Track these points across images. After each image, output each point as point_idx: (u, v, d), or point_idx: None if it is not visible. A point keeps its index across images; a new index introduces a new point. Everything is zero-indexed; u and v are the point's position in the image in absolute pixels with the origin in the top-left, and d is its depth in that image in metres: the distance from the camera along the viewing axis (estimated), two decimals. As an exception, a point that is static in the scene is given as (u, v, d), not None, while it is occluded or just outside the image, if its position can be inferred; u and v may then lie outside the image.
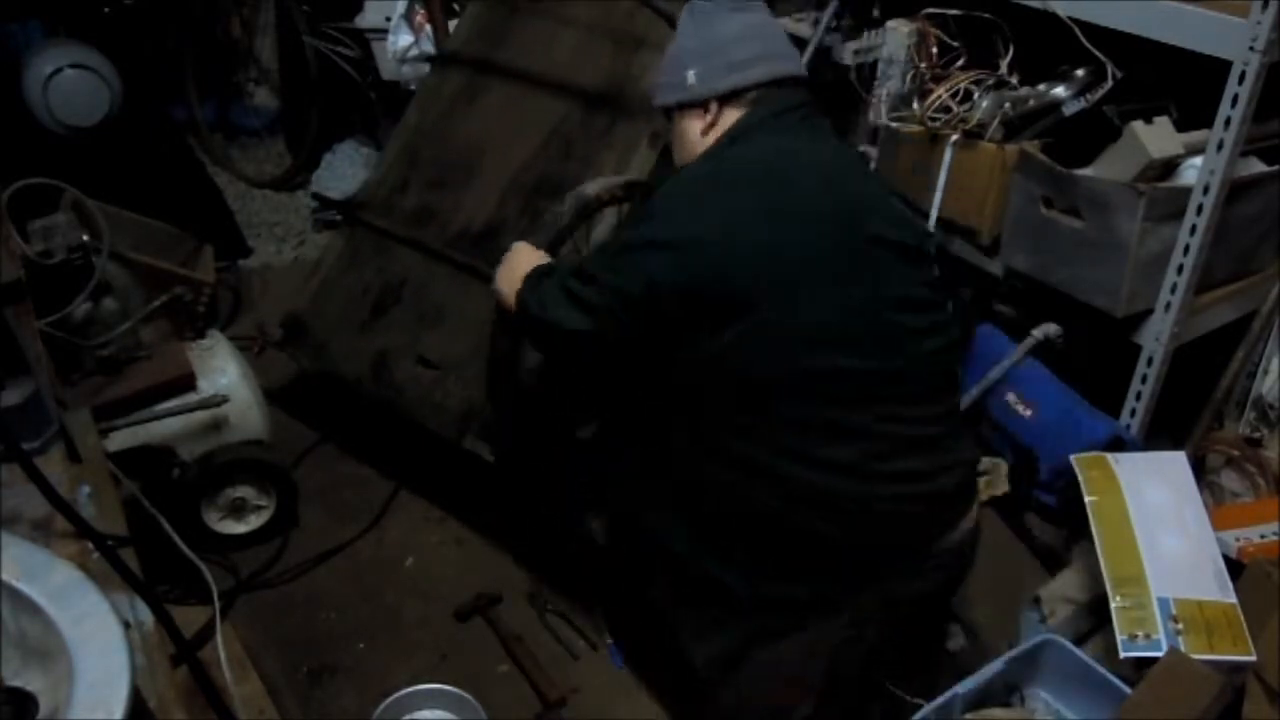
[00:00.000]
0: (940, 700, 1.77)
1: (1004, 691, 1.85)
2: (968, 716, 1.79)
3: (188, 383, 2.16)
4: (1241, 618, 1.74)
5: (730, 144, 1.66)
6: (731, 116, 1.67)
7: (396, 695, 1.86)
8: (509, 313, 1.76)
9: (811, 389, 1.51)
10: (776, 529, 1.56)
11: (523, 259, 1.77)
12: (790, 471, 1.51)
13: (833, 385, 1.51)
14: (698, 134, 1.70)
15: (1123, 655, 1.73)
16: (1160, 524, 1.86)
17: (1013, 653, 1.80)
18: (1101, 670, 1.75)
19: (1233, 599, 1.76)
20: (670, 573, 1.74)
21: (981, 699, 1.80)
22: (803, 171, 1.61)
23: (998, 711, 1.81)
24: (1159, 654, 1.68)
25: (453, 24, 2.87)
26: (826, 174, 1.62)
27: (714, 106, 1.68)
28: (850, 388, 1.51)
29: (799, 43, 2.46)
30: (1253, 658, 1.69)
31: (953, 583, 1.80)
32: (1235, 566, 1.86)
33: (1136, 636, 1.74)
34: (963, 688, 1.77)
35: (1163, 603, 1.76)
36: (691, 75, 1.68)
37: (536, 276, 1.70)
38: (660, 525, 1.69)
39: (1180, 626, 1.73)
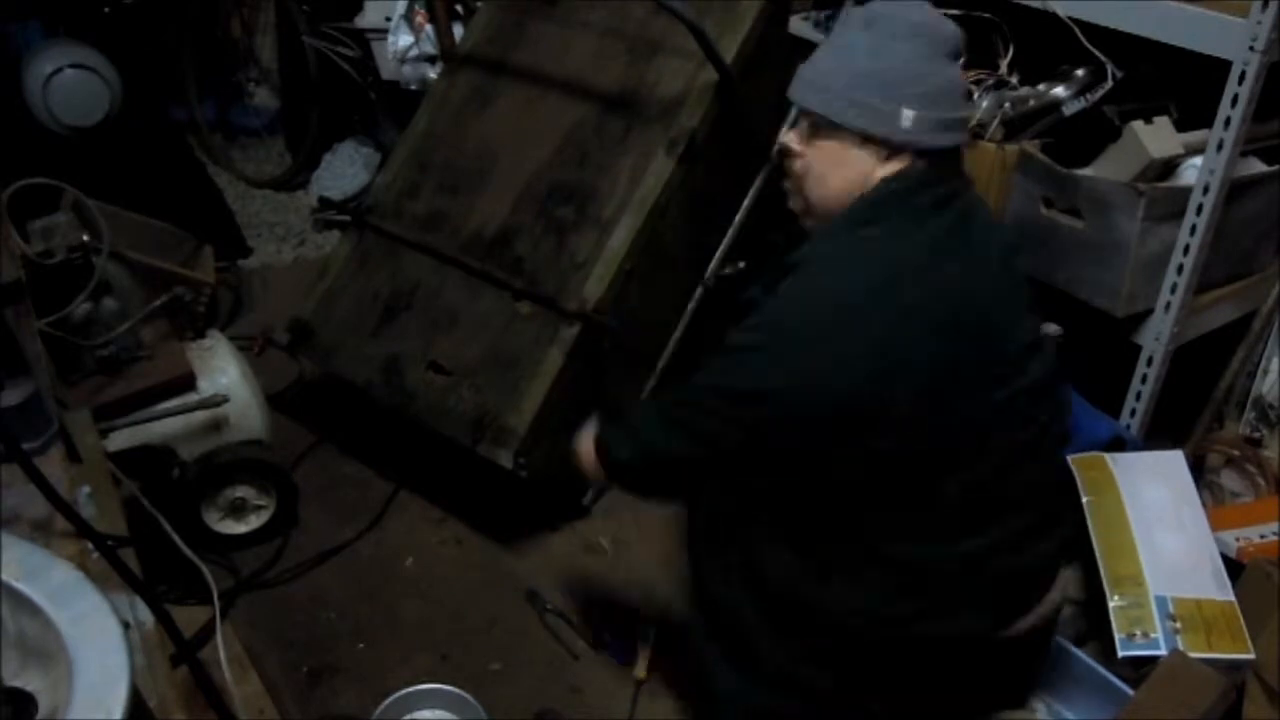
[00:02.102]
0: None
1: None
2: None
3: (188, 383, 2.16)
4: (1240, 616, 1.74)
5: (877, 220, 1.46)
6: (894, 167, 1.48)
7: (396, 695, 1.86)
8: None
9: (920, 503, 1.47)
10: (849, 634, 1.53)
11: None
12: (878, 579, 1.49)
13: (943, 502, 1.47)
14: (864, 177, 1.49)
15: (1121, 654, 1.73)
16: (1158, 523, 1.86)
17: None
18: (1103, 671, 1.75)
19: (1231, 597, 1.76)
20: (716, 622, 1.67)
21: None
22: (961, 279, 1.45)
23: (1008, 714, 1.81)
24: (1157, 653, 1.69)
25: (455, 25, 2.87)
26: (982, 285, 1.49)
27: (907, 158, 1.48)
28: (958, 505, 1.48)
29: (801, 44, 2.46)
30: (1251, 656, 1.69)
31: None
32: (1235, 566, 1.86)
33: (1135, 635, 1.74)
34: None
35: (1161, 601, 1.77)
36: (908, 117, 1.45)
37: (614, 424, 1.65)
38: (728, 597, 1.63)
39: (1179, 625, 1.73)
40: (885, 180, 1.48)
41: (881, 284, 1.41)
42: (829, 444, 1.43)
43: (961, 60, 1.52)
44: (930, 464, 1.45)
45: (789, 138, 1.59)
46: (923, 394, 1.40)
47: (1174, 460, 1.96)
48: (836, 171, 1.52)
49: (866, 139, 1.48)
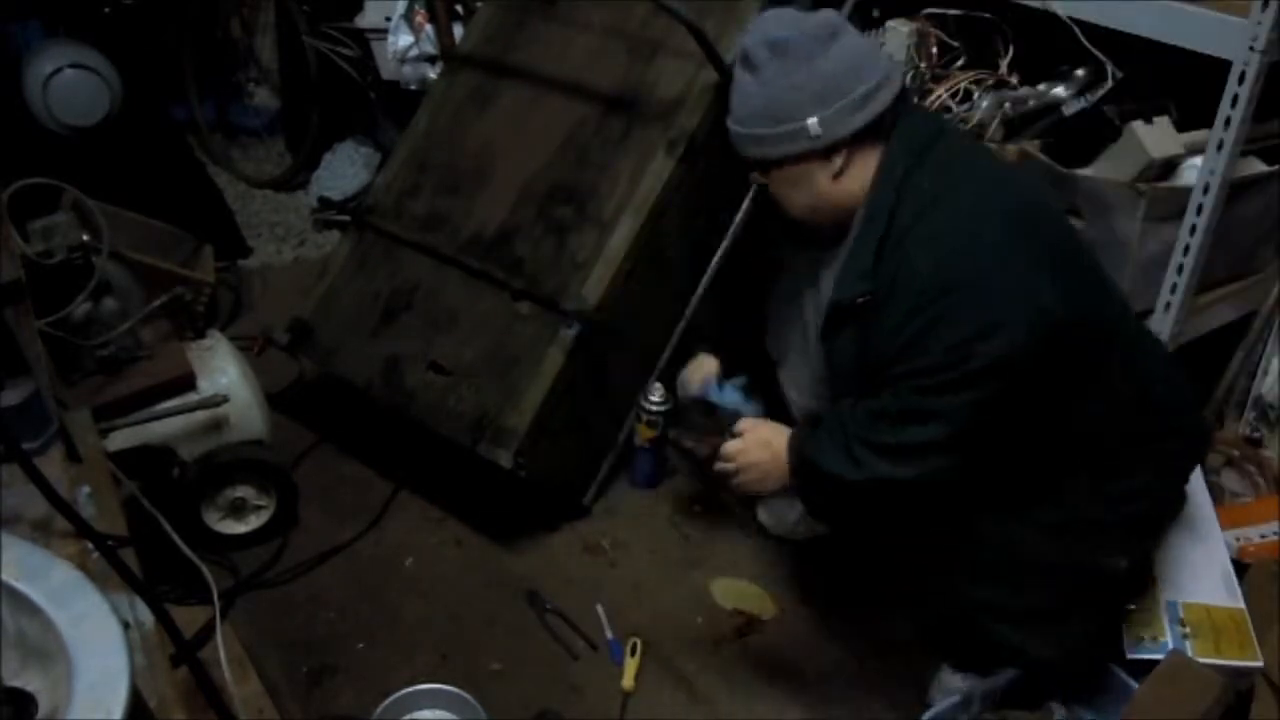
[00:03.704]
0: (955, 700, 1.78)
1: (1034, 693, 1.85)
2: (987, 717, 1.79)
3: (188, 383, 2.16)
4: (1249, 623, 1.74)
5: (914, 176, 1.56)
6: (872, 157, 1.59)
7: (396, 695, 1.86)
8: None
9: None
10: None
11: (766, 437, 1.71)
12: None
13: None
14: (826, 182, 1.61)
15: (1129, 656, 1.74)
16: (1170, 528, 1.86)
17: None
18: (1124, 676, 1.74)
19: (1241, 604, 1.77)
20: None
21: (1002, 701, 1.80)
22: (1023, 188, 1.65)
23: (1018, 714, 1.81)
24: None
25: (455, 25, 2.87)
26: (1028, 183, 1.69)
27: (844, 151, 1.59)
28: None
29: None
30: (1260, 663, 1.69)
31: None
32: (1236, 566, 1.87)
33: (1144, 639, 1.75)
34: (978, 689, 1.77)
35: (1171, 606, 1.77)
36: (814, 124, 1.56)
37: (820, 435, 1.63)
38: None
39: (1188, 630, 1.74)
40: (878, 172, 1.58)
41: (988, 215, 1.52)
42: (1058, 358, 1.51)
43: (839, 36, 1.57)
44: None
45: (754, 175, 1.72)
46: (1076, 288, 1.53)
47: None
48: (797, 191, 1.66)
49: (799, 158, 1.60)
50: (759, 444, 1.73)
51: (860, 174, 1.60)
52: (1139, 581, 1.79)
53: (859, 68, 1.56)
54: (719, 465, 1.78)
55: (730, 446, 1.76)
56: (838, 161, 1.59)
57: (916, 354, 1.51)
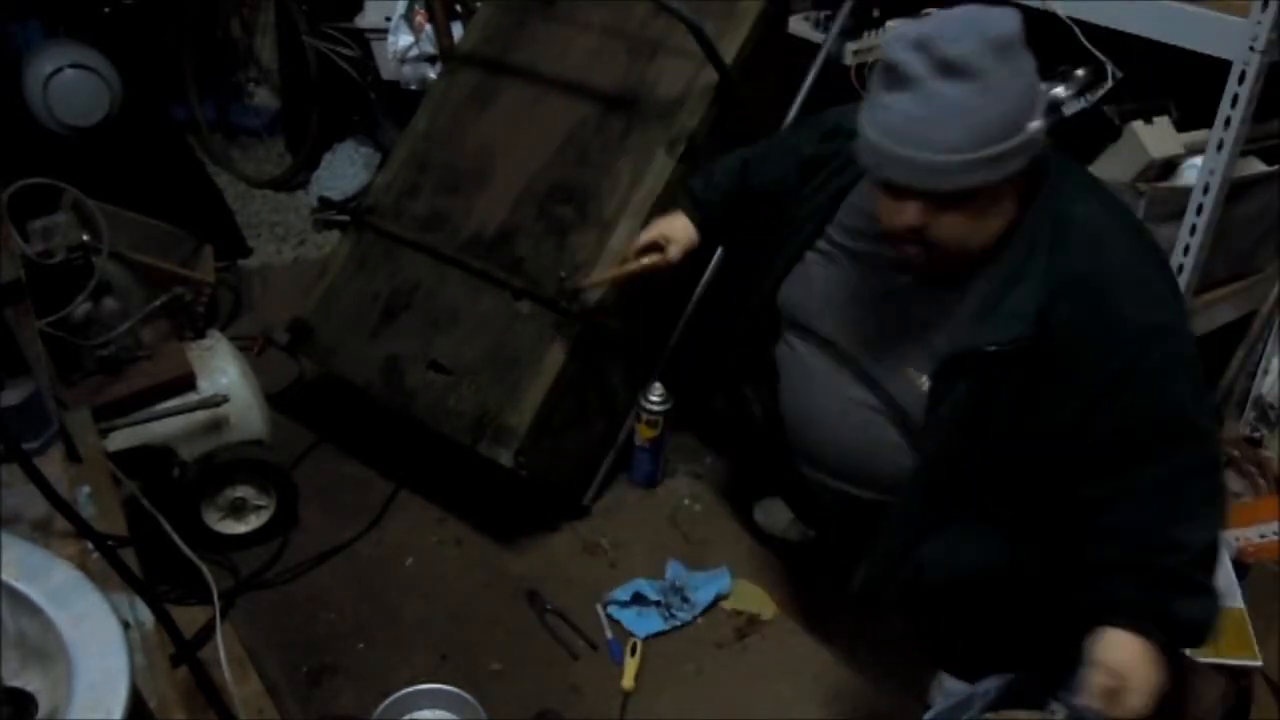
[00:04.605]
0: (958, 699, 1.77)
1: (1036, 693, 1.85)
2: (988, 716, 1.79)
3: (188, 383, 2.16)
4: (1249, 623, 1.74)
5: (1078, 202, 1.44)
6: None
7: (396, 695, 1.86)
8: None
9: None
10: None
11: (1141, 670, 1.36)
12: None
13: None
14: (1012, 207, 1.43)
15: None
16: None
17: None
18: None
19: (1241, 604, 1.77)
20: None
21: (1006, 700, 1.80)
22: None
23: (1019, 713, 1.81)
24: None
25: (455, 24, 2.87)
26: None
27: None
28: None
29: (802, 44, 2.46)
30: (1259, 663, 1.69)
31: None
32: (1235, 566, 1.87)
33: None
34: (982, 687, 1.77)
35: None
36: (1035, 127, 1.36)
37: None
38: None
39: None
40: (1037, 198, 1.43)
41: (1148, 251, 1.47)
42: None
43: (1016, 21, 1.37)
44: None
45: (903, 219, 1.43)
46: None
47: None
48: (985, 221, 1.43)
49: (1016, 175, 1.38)
50: (1127, 673, 1.38)
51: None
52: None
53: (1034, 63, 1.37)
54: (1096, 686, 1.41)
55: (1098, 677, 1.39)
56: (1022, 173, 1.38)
57: (1136, 403, 1.38)
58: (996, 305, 1.43)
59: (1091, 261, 1.40)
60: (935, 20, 1.36)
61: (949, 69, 1.31)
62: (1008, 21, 1.34)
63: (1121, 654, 1.37)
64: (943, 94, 1.32)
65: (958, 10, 1.37)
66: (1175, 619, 1.37)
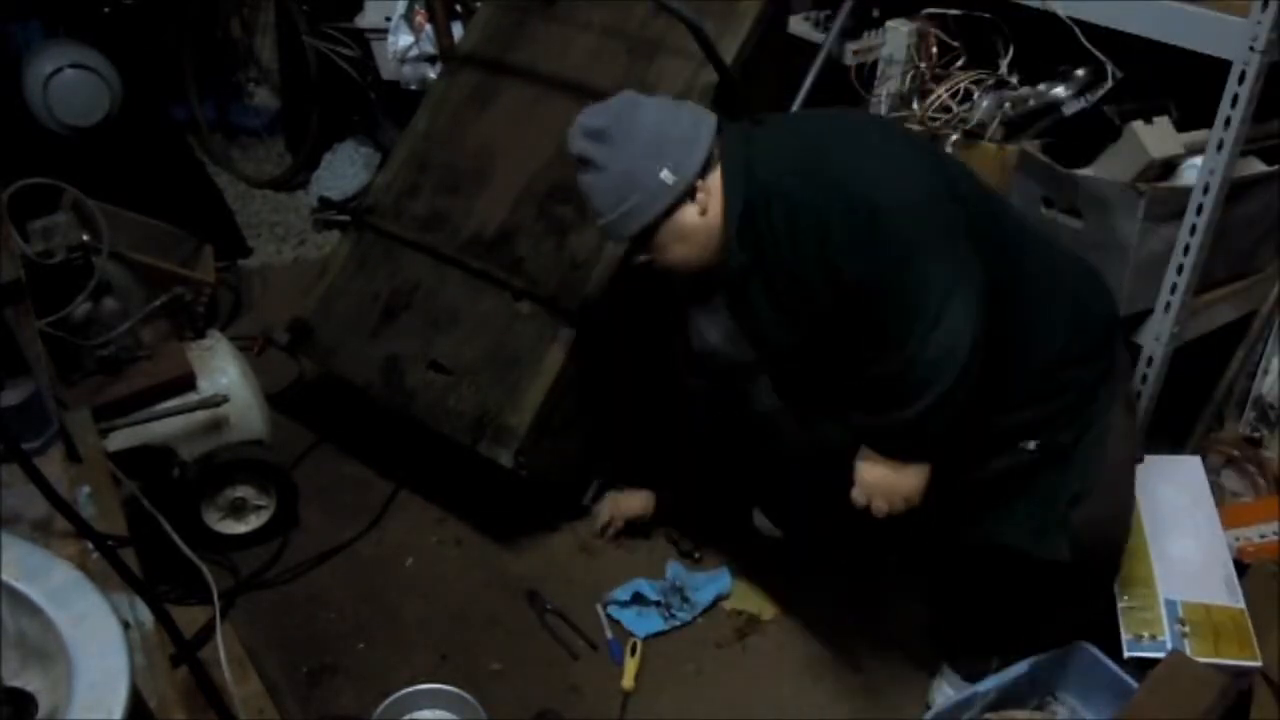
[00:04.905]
0: (959, 698, 1.78)
1: (1030, 692, 1.85)
2: (988, 716, 1.79)
3: (188, 383, 2.16)
4: (1249, 623, 1.74)
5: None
6: (716, 179, 1.67)
7: (396, 695, 1.86)
8: None
9: None
10: None
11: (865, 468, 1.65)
12: None
13: None
14: (698, 219, 1.68)
15: (1127, 655, 1.74)
16: (1172, 527, 1.87)
17: (1040, 656, 1.80)
18: (1127, 678, 1.74)
19: (1241, 604, 1.77)
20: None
21: (1005, 700, 1.80)
22: None
23: (1019, 713, 1.81)
24: (1163, 655, 1.69)
25: (455, 24, 2.87)
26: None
27: (700, 185, 1.67)
28: None
29: (802, 44, 2.46)
30: (1258, 663, 1.69)
31: None
32: (1235, 566, 1.87)
33: (1142, 637, 1.75)
34: (982, 687, 1.77)
35: (1170, 605, 1.77)
36: (666, 174, 1.66)
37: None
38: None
39: (1187, 629, 1.74)
40: (724, 175, 1.67)
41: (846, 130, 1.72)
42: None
43: (639, 103, 1.71)
44: None
45: (639, 258, 1.83)
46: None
47: (1191, 465, 1.97)
48: (683, 243, 1.72)
49: (669, 211, 1.67)
50: (867, 471, 1.64)
51: (719, 197, 1.68)
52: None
53: (673, 118, 1.69)
54: (855, 499, 1.66)
55: (854, 492, 1.66)
56: (701, 197, 1.67)
57: (857, 257, 1.54)
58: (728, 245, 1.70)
59: (782, 174, 1.63)
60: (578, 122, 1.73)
61: (578, 161, 1.72)
62: (602, 114, 1.70)
63: (864, 475, 1.63)
64: (581, 180, 1.74)
65: (587, 110, 1.74)
66: (893, 429, 1.59)
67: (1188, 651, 1.70)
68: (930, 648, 2.01)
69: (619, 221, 1.71)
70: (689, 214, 1.68)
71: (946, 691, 1.92)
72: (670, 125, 1.69)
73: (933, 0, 2.20)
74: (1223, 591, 1.79)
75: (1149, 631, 1.75)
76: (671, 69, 2.31)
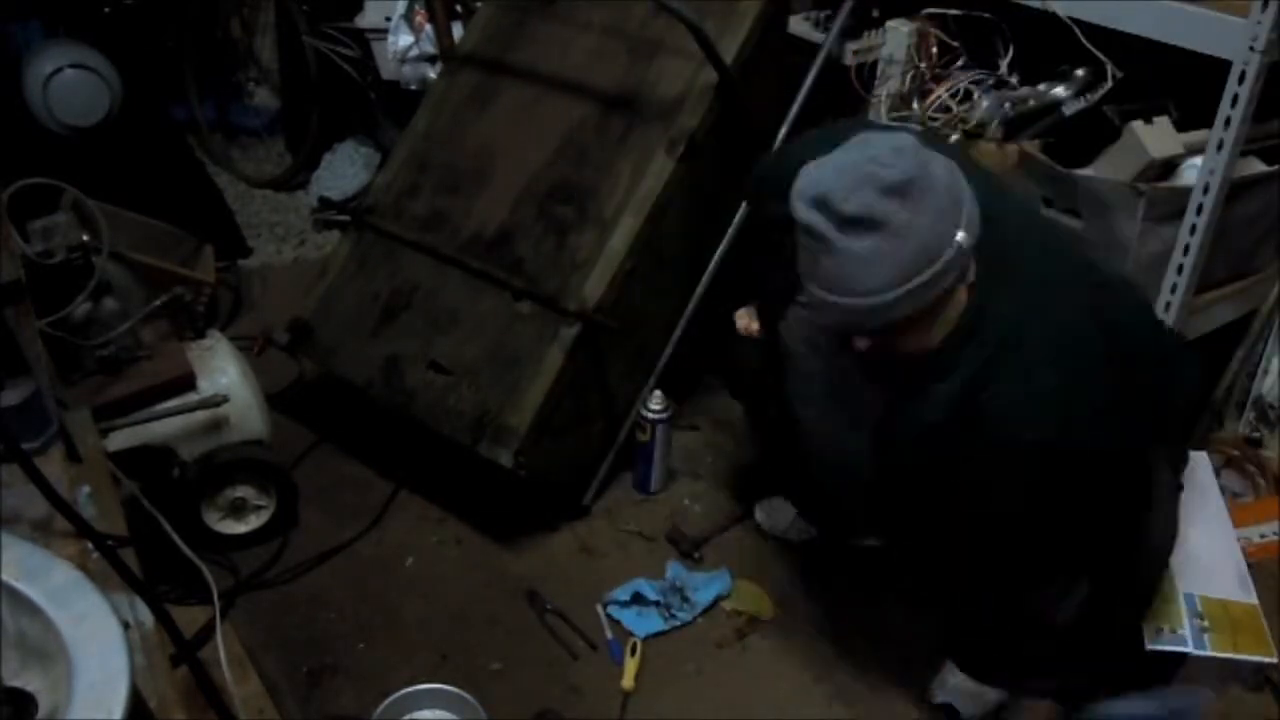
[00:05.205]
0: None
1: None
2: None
3: (188, 383, 2.16)
4: (1263, 619, 1.75)
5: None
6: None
7: (396, 695, 1.86)
8: None
9: None
10: None
11: None
12: None
13: None
14: (959, 304, 1.44)
15: (1148, 648, 1.74)
16: (1186, 522, 1.86)
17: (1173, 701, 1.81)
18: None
19: (1254, 600, 1.78)
20: None
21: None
22: None
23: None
24: (1184, 649, 1.71)
25: (455, 24, 2.87)
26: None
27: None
28: None
29: (802, 44, 2.46)
30: (1274, 659, 1.70)
31: None
32: (1235, 566, 1.87)
33: (1162, 631, 1.75)
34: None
35: (1189, 599, 1.78)
36: (963, 238, 1.36)
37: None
38: None
39: (1206, 624, 1.75)
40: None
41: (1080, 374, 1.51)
42: None
43: (918, 145, 1.39)
44: None
45: (858, 346, 1.48)
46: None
47: (1199, 461, 1.97)
48: (936, 328, 1.46)
49: (953, 285, 1.41)
50: None
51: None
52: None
53: (952, 164, 1.38)
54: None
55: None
56: (970, 271, 1.41)
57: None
58: (923, 390, 1.49)
59: (998, 370, 1.43)
60: (830, 171, 1.37)
61: (851, 224, 1.33)
62: (900, 163, 1.33)
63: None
64: (850, 249, 1.34)
65: (848, 157, 1.38)
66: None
67: (1207, 646, 1.70)
68: (930, 648, 2.01)
69: (903, 299, 1.36)
70: (960, 291, 1.42)
71: (947, 690, 1.92)
72: (953, 174, 1.37)
73: (933, 0, 2.21)
74: (1236, 587, 1.80)
75: (1169, 625, 1.76)
76: (671, 69, 2.31)
